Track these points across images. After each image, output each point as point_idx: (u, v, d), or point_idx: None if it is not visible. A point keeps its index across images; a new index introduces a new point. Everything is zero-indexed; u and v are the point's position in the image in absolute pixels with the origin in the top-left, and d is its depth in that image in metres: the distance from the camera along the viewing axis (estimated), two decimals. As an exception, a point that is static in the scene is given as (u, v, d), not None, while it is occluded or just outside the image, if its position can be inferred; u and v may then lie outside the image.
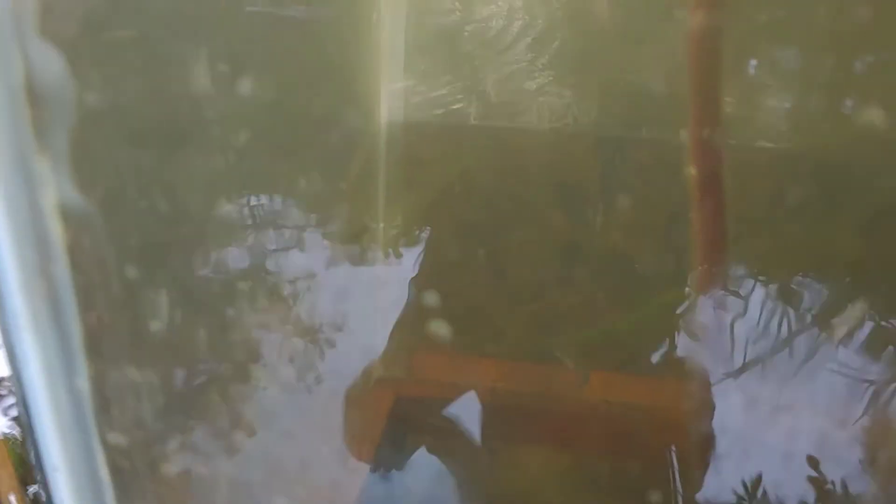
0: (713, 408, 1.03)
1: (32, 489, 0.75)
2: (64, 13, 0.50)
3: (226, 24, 0.76)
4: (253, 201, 0.87)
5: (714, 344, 1.04)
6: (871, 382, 0.98)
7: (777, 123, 0.96)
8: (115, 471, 0.58)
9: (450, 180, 1.17)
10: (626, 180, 1.11)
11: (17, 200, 0.52)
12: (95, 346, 0.56)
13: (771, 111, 0.95)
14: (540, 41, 1.06)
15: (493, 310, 1.18)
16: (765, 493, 0.99)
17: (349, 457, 1.10)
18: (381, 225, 1.16)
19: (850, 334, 0.98)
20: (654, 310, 1.11)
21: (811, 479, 0.99)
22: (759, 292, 1.02)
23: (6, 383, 0.93)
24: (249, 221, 0.85)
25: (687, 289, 1.00)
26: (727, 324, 1.04)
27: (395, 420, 1.15)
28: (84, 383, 0.56)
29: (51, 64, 0.49)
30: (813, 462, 0.99)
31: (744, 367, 1.03)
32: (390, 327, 1.17)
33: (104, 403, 0.58)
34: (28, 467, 0.72)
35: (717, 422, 1.01)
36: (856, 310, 0.97)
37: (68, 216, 0.53)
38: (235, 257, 0.82)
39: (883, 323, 0.97)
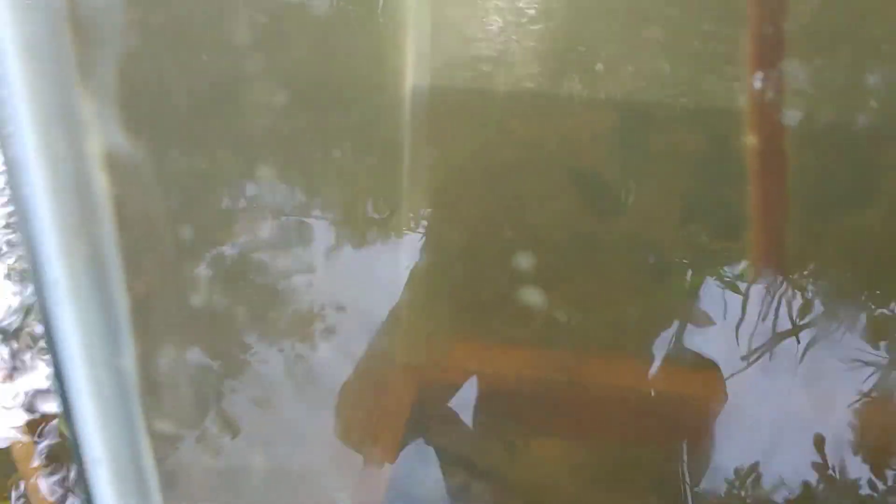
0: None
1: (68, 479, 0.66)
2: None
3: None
4: (291, 170, 0.80)
5: (766, 331, 1.00)
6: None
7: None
8: (163, 463, 0.51)
9: (475, 150, 1.11)
10: (668, 153, 1.06)
11: (57, 147, 0.44)
12: (144, 321, 0.48)
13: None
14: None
15: (515, 293, 1.13)
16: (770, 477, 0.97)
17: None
18: (405, 203, 1.11)
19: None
20: (688, 291, 1.07)
21: (816, 465, 0.96)
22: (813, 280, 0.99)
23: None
24: (284, 192, 0.78)
25: (743, 270, 0.96)
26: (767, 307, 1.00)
27: (419, 410, 1.11)
28: (130, 363, 0.48)
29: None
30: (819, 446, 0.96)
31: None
32: (412, 312, 1.12)
33: (152, 387, 0.50)
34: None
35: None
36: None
37: (115, 166, 0.45)
38: (268, 229, 0.74)
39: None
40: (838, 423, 0.97)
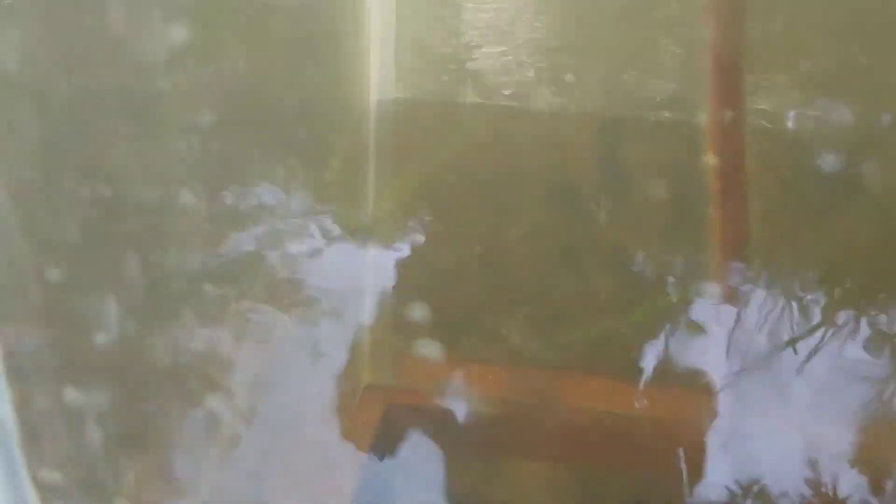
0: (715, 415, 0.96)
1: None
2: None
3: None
4: (222, 193, 0.78)
5: (729, 347, 0.97)
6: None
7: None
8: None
9: (442, 165, 1.10)
10: (634, 168, 1.04)
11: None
12: (17, 367, 0.46)
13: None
14: (543, 11, 0.98)
15: (487, 311, 1.12)
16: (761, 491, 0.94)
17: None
18: (370, 218, 1.09)
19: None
20: (658, 311, 1.04)
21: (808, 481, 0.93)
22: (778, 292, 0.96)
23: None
24: (214, 216, 0.76)
25: (702, 289, 0.93)
26: (739, 325, 0.97)
27: (385, 430, 1.09)
28: (6, 411, 0.46)
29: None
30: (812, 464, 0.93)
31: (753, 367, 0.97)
32: (379, 331, 1.11)
33: (33, 434, 0.48)
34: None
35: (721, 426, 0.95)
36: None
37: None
38: (195, 258, 0.72)
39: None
40: (827, 442, 0.95)
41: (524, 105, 1.07)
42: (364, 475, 1.02)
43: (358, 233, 1.08)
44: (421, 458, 1.04)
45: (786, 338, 0.94)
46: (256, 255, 0.85)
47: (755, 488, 0.94)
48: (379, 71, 1.07)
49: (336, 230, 1.05)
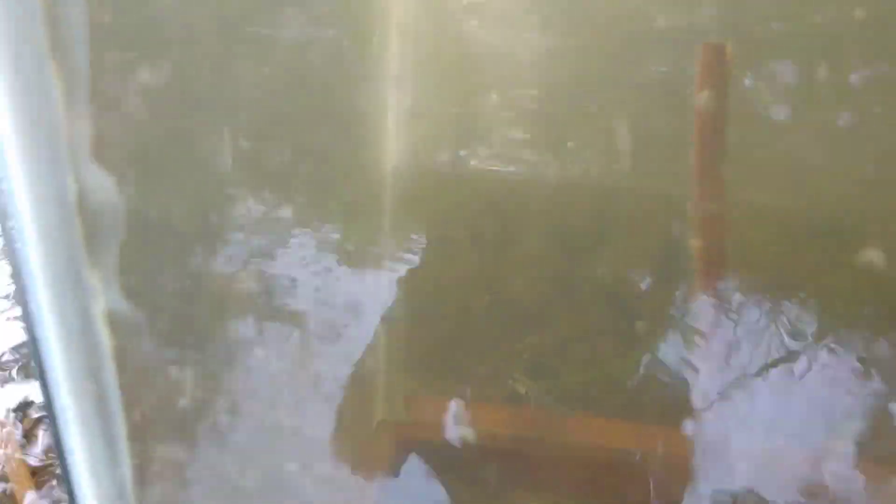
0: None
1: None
2: (114, 142, 0.53)
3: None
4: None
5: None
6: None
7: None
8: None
9: (451, 227, 1.20)
10: (624, 237, 1.14)
11: (69, 310, 0.54)
12: (138, 437, 0.59)
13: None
14: (547, 86, 1.07)
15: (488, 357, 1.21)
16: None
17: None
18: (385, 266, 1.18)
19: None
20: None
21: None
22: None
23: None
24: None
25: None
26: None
27: (396, 461, 1.18)
28: (126, 471, 0.59)
29: (102, 183, 0.51)
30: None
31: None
32: (391, 372, 1.20)
33: (145, 487, 0.61)
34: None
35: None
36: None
37: (116, 323, 0.55)
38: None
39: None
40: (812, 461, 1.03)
41: (530, 175, 1.16)
42: (378, 498, 1.12)
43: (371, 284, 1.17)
44: (428, 486, 1.14)
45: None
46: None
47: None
48: (396, 139, 1.17)
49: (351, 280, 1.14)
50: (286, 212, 0.96)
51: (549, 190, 1.18)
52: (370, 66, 1.15)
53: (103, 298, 0.54)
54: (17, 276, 0.52)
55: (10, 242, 0.51)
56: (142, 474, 0.61)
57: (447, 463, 1.13)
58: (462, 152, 1.20)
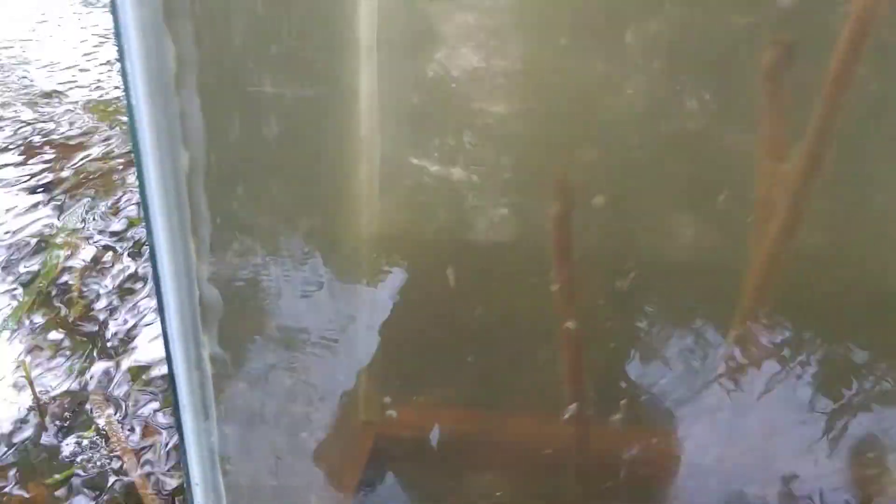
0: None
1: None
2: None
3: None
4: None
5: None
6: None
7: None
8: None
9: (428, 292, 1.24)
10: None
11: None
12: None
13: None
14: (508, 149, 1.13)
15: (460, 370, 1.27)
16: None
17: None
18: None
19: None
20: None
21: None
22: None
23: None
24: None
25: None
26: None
27: (375, 454, 1.26)
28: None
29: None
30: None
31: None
32: (374, 382, 1.27)
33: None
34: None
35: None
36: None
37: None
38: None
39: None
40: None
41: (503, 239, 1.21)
42: (360, 487, 1.25)
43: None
44: (403, 476, 1.28)
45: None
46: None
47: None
48: (369, 209, 1.24)
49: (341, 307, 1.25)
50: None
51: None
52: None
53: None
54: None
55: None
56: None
57: (417, 455, 1.28)
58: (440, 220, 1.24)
